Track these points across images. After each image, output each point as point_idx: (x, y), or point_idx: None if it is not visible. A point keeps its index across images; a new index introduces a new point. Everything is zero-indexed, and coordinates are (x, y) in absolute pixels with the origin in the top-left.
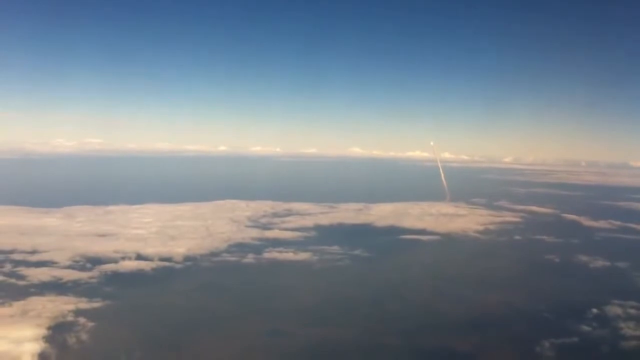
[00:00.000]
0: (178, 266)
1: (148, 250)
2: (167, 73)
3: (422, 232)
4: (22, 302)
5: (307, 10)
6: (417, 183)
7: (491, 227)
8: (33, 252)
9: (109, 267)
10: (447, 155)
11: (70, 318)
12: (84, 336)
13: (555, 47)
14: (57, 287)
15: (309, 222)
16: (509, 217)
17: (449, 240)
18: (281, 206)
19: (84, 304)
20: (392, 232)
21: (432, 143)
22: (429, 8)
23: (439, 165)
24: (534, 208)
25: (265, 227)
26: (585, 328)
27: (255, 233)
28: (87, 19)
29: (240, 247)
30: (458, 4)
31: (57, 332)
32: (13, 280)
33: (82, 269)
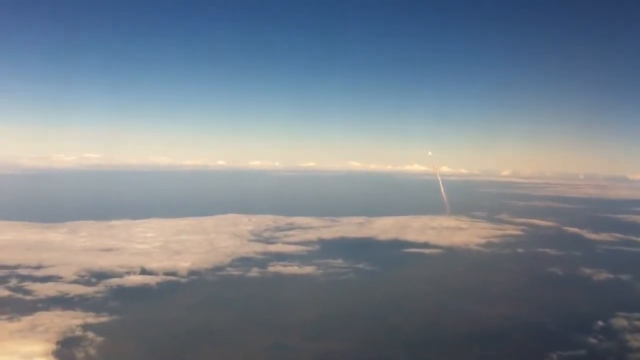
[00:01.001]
0: (183, 280)
1: (152, 264)
2: (165, 87)
3: (425, 245)
4: (30, 317)
5: (303, 25)
6: (417, 196)
7: (494, 240)
8: (38, 267)
9: (115, 281)
10: (445, 169)
11: (78, 333)
12: (92, 351)
13: (552, 62)
14: (63, 302)
15: (311, 235)
16: (511, 230)
17: (452, 253)
18: (283, 220)
19: (91, 318)
20: (395, 245)
21: (429, 153)
22: (425, 23)
23: (439, 178)
24: (535, 221)
25: (268, 241)
26: (592, 340)
27: (258, 247)
28: (86, 34)
29: (245, 261)
30: (454, 19)
31: (66, 347)
32: (20, 296)
33: (88, 283)
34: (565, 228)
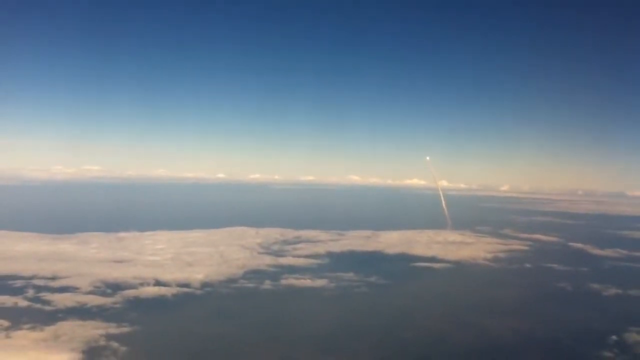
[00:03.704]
0: (198, 292)
1: (166, 276)
2: (164, 100)
3: (433, 259)
4: (52, 327)
5: (305, 40)
6: (419, 210)
7: (500, 255)
8: (53, 278)
9: (130, 292)
10: (444, 183)
11: (102, 343)
12: None
13: (552, 78)
14: (83, 312)
15: (320, 249)
16: (517, 245)
17: (461, 268)
18: (290, 233)
19: (113, 329)
20: (404, 259)
21: (427, 158)
22: (424, 40)
23: (440, 193)
24: (540, 236)
25: (278, 254)
26: (607, 354)
27: (269, 260)
28: (85, 46)
29: (257, 274)
30: (452, 37)
31: (92, 357)
32: (39, 306)
33: (104, 294)
34: (570, 244)
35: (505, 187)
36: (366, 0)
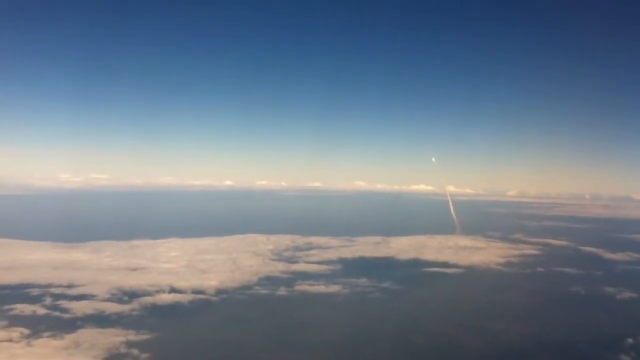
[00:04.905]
0: (213, 299)
1: (181, 283)
2: (170, 109)
3: (445, 265)
4: (73, 335)
5: (311, 47)
6: (428, 216)
7: (512, 260)
8: (70, 286)
9: (147, 299)
10: (451, 188)
11: (123, 350)
12: None
13: (557, 83)
14: (101, 320)
15: (331, 255)
16: (528, 250)
17: (474, 273)
18: (301, 240)
19: (132, 336)
20: (416, 265)
21: (433, 159)
22: (429, 41)
23: (448, 198)
24: (550, 241)
25: (290, 260)
26: (625, 357)
27: (281, 266)
28: (91, 55)
29: (271, 280)
30: (458, 41)
31: None
32: (57, 313)
33: (121, 301)
34: (581, 248)
35: (512, 192)
36: (372, 3)
